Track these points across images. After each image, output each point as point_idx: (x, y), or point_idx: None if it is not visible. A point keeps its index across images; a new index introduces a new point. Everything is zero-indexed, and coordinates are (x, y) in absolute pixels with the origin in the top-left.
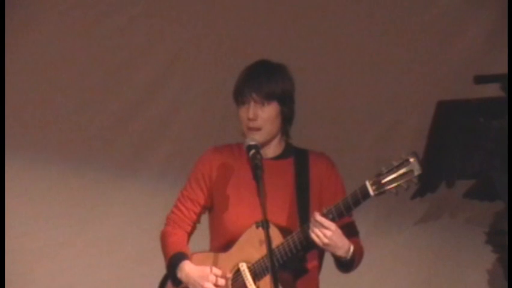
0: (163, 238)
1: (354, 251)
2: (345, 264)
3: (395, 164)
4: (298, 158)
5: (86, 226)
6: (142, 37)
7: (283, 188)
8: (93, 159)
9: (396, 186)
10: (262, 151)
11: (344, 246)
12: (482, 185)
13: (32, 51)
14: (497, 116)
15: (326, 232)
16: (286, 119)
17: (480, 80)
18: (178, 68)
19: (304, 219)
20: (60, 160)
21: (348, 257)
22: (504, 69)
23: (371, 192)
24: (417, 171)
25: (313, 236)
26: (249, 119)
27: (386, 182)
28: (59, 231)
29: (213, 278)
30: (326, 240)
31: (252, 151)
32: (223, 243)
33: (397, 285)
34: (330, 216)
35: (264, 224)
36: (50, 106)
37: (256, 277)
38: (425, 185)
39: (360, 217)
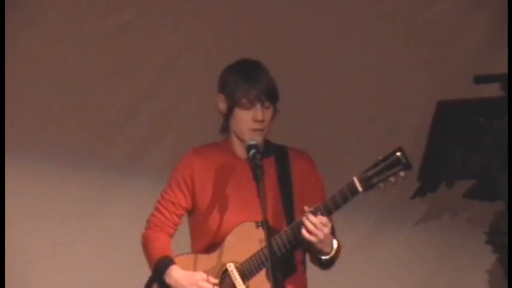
0: (146, 242)
1: (338, 245)
2: (328, 261)
3: (381, 158)
4: (278, 156)
5: (86, 226)
6: (142, 37)
7: (267, 188)
8: (93, 159)
9: (383, 180)
10: (241, 151)
11: (330, 241)
12: (482, 185)
13: (32, 51)
14: (497, 116)
15: (324, 229)
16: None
17: (480, 80)
18: (178, 68)
19: (290, 217)
20: (60, 160)
21: (333, 252)
22: (504, 69)
23: (360, 189)
24: (403, 166)
25: (307, 235)
26: (258, 121)
27: (373, 177)
28: (59, 231)
29: (202, 284)
30: (322, 236)
31: (252, 151)
32: (207, 244)
33: (397, 285)
34: (319, 213)
35: (264, 224)
36: (50, 106)
37: (245, 277)
38: (425, 185)
39: (361, 217)
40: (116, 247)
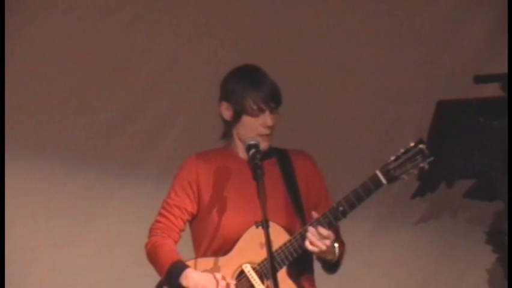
0: (153, 248)
1: (340, 250)
2: (333, 265)
3: (402, 151)
4: (280, 157)
5: (86, 226)
6: (142, 37)
7: (274, 188)
8: (93, 159)
9: (406, 172)
10: (245, 154)
11: (332, 251)
12: (482, 185)
13: (32, 51)
14: (497, 116)
15: (326, 242)
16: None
17: (480, 79)
18: (178, 68)
19: (302, 216)
20: (60, 160)
21: (336, 259)
22: (504, 69)
23: (384, 181)
24: (426, 157)
25: (310, 247)
26: (269, 127)
27: (396, 169)
28: (59, 231)
29: (223, 284)
30: (324, 248)
31: (252, 150)
32: (214, 248)
33: (397, 285)
34: (341, 208)
35: (264, 224)
36: (50, 106)
37: (263, 277)
38: (425, 184)
39: (361, 217)
40: (116, 247)
